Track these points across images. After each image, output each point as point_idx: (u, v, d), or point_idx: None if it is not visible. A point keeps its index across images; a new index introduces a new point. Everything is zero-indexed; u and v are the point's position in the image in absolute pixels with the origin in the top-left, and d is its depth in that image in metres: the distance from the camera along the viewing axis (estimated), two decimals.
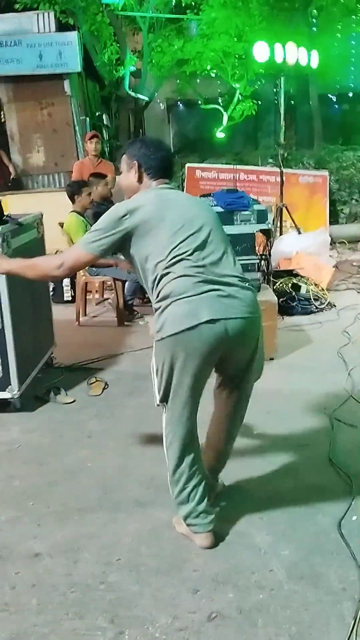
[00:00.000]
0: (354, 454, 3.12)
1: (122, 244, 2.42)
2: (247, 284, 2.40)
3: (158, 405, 2.48)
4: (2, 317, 3.62)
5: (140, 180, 2.51)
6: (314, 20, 12.02)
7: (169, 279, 2.29)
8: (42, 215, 4.39)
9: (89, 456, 3.24)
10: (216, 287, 2.29)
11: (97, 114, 12.38)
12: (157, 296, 2.34)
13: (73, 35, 9.64)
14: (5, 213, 4.01)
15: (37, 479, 3.05)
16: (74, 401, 3.93)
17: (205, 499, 2.47)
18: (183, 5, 11.74)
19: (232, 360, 2.45)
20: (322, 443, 3.23)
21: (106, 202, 6.03)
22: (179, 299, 2.26)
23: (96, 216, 5.82)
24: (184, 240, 2.33)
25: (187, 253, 2.31)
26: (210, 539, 2.45)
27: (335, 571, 2.27)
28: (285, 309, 5.56)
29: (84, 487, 2.95)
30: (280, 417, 3.56)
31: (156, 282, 2.34)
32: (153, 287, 2.37)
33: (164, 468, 3.01)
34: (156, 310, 2.35)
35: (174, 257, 2.30)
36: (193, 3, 11.62)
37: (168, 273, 2.30)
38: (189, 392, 2.35)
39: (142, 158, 2.50)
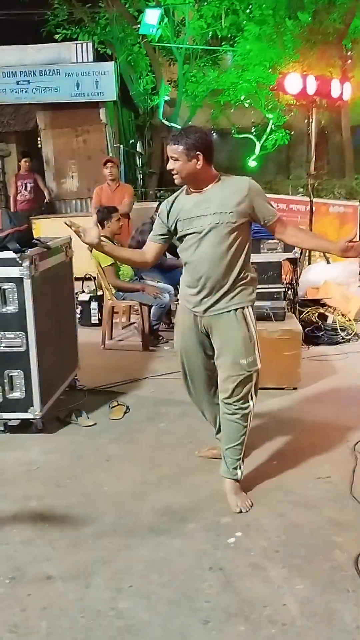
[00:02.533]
0: None
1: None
2: None
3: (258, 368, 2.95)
4: (27, 339, 3.66)
5: (208, 165, 2.86)
6: (348, 52, 12.12)
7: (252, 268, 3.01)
8: (70, 239, 4.46)
9: (106, 480, 3.24)
10: None
11: (131, 141, 12.60)
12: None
13: (110, 65, 9.89)
14: (35, 237, 4.10)
15: (54, 501, 3.05)
16: (94, 424, 3.94)
17: None
18: (219, 37, 11.97)
19: None
20: (343, 476, 3.18)
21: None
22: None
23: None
24: None
25: None
26: None
27: (349, 609, 2.21)
28: (311, 339, 5.52)
29: (99, 511, 2.94)
30: (301, 449, 3.51)
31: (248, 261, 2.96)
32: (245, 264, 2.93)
33: (180, 496, 3.04)
34: (246, 279, 2.94)
35: None
36: (229, 35, 11.84)
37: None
38: None
39: (206, 150, 2.82)
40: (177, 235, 2.98)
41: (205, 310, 2.93)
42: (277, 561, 2.51)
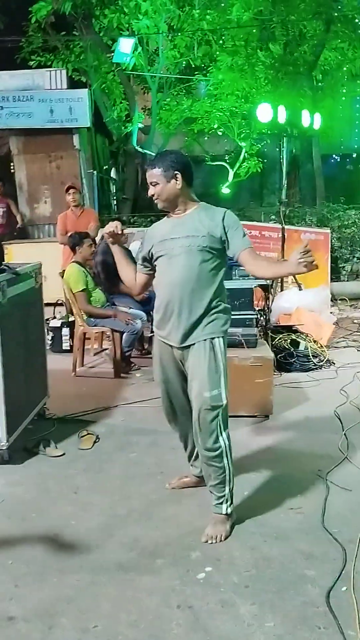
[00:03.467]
0: (347, 519, 3.01)
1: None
2: None
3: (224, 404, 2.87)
4: None
5: (188, 186, 2.89)
6: (319, 83, 12.38)
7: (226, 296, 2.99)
8: (40, 265, 4.40)
9: (73, 513, 3.15)
10: None
11: (104, 167, 12.62)
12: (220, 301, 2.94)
13: (84, 92, 9.94)
14: (5, 262, 4.04)
15: (19, 536, 2.95)
16: (63, 454, 3.85)
17: None
18: (192, 66, 12.13)
19: None
20: (314, 507, 3.13)
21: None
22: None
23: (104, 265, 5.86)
24: None
25: None
26: None
27: None
28: (283, 365, 5.51)
29: (66, 547, 2.85)
30: (272, 478, 3.47)
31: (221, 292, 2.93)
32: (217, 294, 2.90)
33: (149, 529, 2.97)
34: (219, 308, 2.91)
35: None
36: (202, 65, 12.01)
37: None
38: None
39: (184, 169, 2.86)
40: (153, 260, 2.96)
41: (180, 342, 2.87)
42: (248, 597, 2.45)
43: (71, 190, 7.02)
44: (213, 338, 2.85)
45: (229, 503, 2.92)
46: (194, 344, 2.86)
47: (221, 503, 2.91)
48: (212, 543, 2.82)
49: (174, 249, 2.85)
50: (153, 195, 2.87)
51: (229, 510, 2.93)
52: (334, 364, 5.68)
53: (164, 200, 2.87)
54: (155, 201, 2.88)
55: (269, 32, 10.91)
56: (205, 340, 2.84)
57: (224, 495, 2.91)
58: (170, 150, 3.03)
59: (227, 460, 2.89)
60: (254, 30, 11.07)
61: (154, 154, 12.99)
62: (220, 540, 2.84)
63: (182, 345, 2.88)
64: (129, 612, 2.38)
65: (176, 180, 2.82)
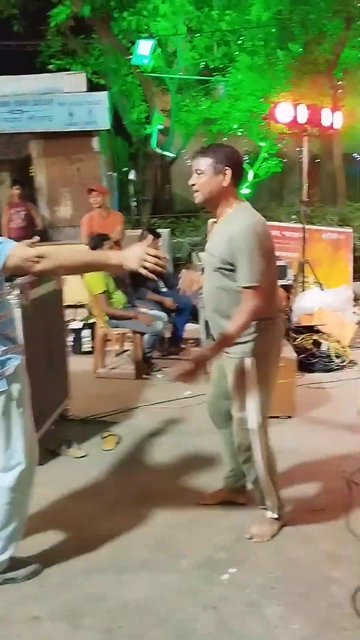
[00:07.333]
0: None
1: None
2: None
3: None
4: None
5: (233, 187, 2.64)
6: (339, 82, 12.31)
7: None
8: None
9: (97, 514, 3.16)
10: None
11: (124, 169, 12.68)
12: None
13: (103, 95, 10.00)
14: None
15: (43, 537, 2.96)
16: (85, 455, 3.86)
17: None
18: (211, 67, 12.14)
19: None
20: (338, 508, 3.10)
21: None
22: None
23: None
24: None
25: None
26: None
27: None
28: (305, 366, 5.47)
29: (90, 547, 2.85)
30: (295, 479, 3.44)
31: None
32: None
33: (174, 530, 2.94)
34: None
35: None
36: (221, 65, 12.01)
37: None
38: None
39: (235, 167, 2.63)
40: None
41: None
42: (273, 598, 2.43)
43: (93, 193, 7.02)
44: (243, 358, 2.67)
45: (272, 509, 2.88)
46: (228, 357, 2.72)
47: (265, 508, 2.90)
48: (256, 542, 2.83)
49: (204, 263, 2.77)
50: (194, 185, 2.63)
51: (274, 515, 2.88)
52: (357, 364, 5.63)
53: (204, 195, 2.63)
54: (195, 194, 2.65)
55: (289, 31, 10.86)
56: (236, 358, 2.68)
57: (262, 496, 2.87)
58: (225, 144, 2.80)
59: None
60: (273, 30, 11.04)
61: (173, 155, 13.06)
62: (264, 541, 2.83)
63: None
64: (155, 613, 2.38)
65: (224, 176, 2.59)
